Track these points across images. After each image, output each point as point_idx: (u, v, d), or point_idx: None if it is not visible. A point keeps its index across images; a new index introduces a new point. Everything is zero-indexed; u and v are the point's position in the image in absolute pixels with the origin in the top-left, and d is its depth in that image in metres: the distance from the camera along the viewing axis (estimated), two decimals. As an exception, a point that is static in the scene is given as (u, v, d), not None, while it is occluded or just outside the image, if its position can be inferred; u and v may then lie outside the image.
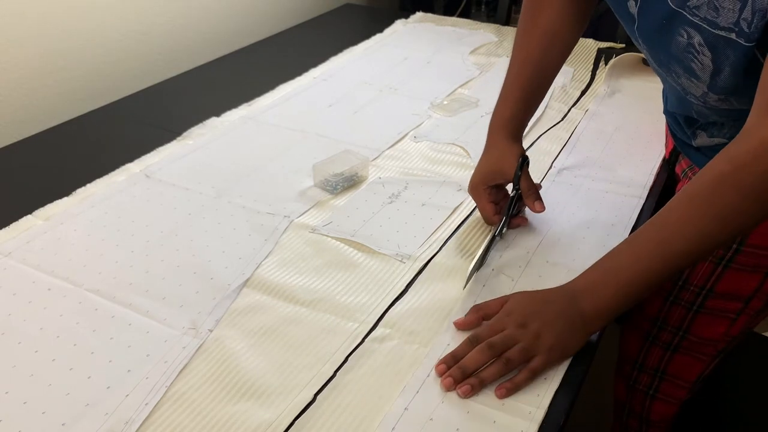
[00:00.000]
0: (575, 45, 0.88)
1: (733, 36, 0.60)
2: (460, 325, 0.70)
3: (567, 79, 1.34)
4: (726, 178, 0.59)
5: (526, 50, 0.86)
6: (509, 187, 0.86)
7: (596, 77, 1.36)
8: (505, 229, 0.82)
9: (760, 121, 0.58)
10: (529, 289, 0.77)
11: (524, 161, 0.83)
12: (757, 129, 0.58)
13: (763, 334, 1.45)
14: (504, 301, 0.70)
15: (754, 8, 0.57)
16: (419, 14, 1.74)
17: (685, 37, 0.66)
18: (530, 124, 1.15)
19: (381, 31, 1.62)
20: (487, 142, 0.88)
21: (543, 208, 0.81)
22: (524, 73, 0.85)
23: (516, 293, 0.71)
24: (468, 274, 0.76)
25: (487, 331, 0.66)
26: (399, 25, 1.66)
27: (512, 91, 0.86)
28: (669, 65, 0.72)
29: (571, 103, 1.25)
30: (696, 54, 0.66)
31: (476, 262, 0.77)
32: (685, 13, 0.63)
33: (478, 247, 0.83)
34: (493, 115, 0.88)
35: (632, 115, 1.19)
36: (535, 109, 0.89)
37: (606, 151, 1.08)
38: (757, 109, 0.60)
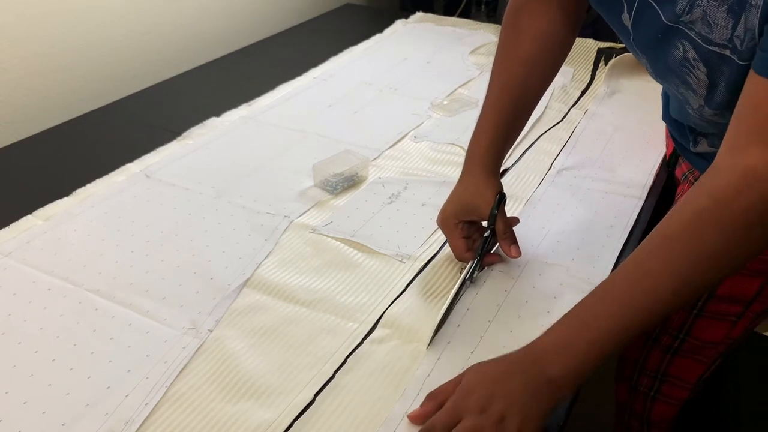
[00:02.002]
0: (557, 72, 0.83)
1: (727, 53, 0.59)
2: (416, 418, 0.60)
3: (567, 79, 1.34)
4: (705, 216, 0.55)
5: (504, 79, 0.80)
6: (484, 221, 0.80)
7: (596, 77, 1.36)
8: (476, 272, 0.76)
9: (740, 152, 0.55)
10: (528, 286, 0.77)
11: (501, 199, 0.77)
12: (737, 160, 0.55)
13: (765, 333, 1.45)
14: (459, 380, 0.61)
15: (747, 26, 0.56)
16: (419, 14, 1.74)
17: (681, 50, 0.64)
18: (530, 124, 1.15)
19: (381, 31, 1.62)
20: (462, 172, 0.81)
21: (519, 254, 0.76)
22: (502, 102, 0.80)
23: (472, 367, 0.61)
24: (434, 328, 0.68)
25: (443, 420, 0.57)
26: (399, 25, 1.66)
27: (490, 120, 0.80)
28: (666, 77, 0.71)
29: (571, 103, 1.25)
30: (691, 68, 0.65)
31: (444, 312, 0.69)
32: (680, 26, 0.62)
33: (447, 290, 0.76)
34: (469, 144, 0.81)
35: (632, 116, 1.19)
36: (515, 139, 0.83)
37: (606, 151, 1.08)
38: (735, 138, 0.57)
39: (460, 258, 0.79)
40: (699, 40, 0.61)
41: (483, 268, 0.79)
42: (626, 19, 0.69)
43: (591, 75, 1.37)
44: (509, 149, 0.83)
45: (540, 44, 0.79)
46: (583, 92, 1.30)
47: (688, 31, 0.62)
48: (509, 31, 0.81)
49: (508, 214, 0.91)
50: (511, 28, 0.81)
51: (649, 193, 0.96)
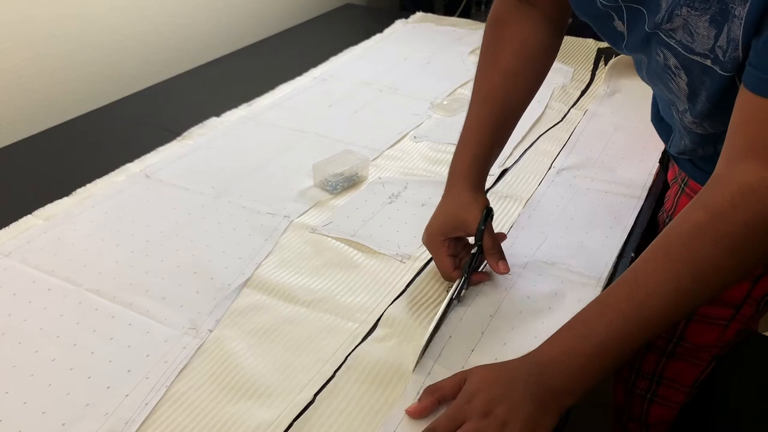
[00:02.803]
0: (542, 81, 0.80)
1: (708, 63, 0.58)
2: (414, 413, 0.60)
3: (567, 79, 1.34)
4: (703, 229, 0.55)
5: (486, 91, 0.78)
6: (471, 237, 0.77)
7: (596, 77, 1.36)
8: (464, 291, 0.73)
9: (735, 166, 0.55)
10: (529, 285, 0.77)
11: (488, 214, 0.75)
12: (733, 174, 0.55)
13: (765, 334, 1.44)
14: (461, 379, 0.61)
15: (729, 37, 0.55)
16: (419, 14, 1.74)
17: (662, 57, 0.64)
18: (529, 124, 1.15)
19: (381, 31, 1.62)
20: (446, 188, 0.79)
21: (507, 269, 0.74)
22: (485, 115, 0.78)
23: (475, 369, 0.62)
24: (421, 350, 0.66)
25: (445, 423, 0.58)
26: (399, 25, 1.66)
27: (472, 135, 0.78)
28: (652, 79, 0.71)
29: (571, 103, 1.25)
30: (672, 76, 0.65)
31: (431, 333, 0.67)
32: (660, 34, 0.62)
33: (434, 307, 0.75)
34: (453, 158, 0.80)
35: (632, 116, 1.19)
36: (500, 152, 0.82)
37: (605, 151, 1.08)
38: (730, 152, 0.57)
39: (447, 277, 0.77)
40: (680, 49, 0.61)
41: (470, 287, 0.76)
42: (620, 26, 0.68)
43: (591, 75, 1.37)
44: (494, 162, 0.81)
45: (523, 55, 0.77)
46: (583, 92, 1.30)
47: (667, 39, 0.61)
48: (490, 42, 0.79)
49: (507, 218, 0.91)
50: (493, 38, 0.79)
51: (648, 193, 0.96)
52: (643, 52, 0.68)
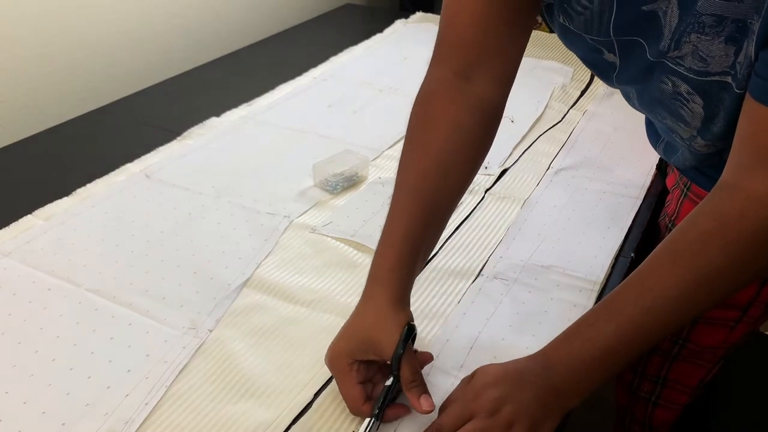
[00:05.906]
0: (478, 169, 0.70)
1: (729, 79, 0.58)
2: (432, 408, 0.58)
3: (567, 79, 1.34)
4: (710, 236, 0.56)
5: (414, 179, 0.67)
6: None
7: (596, 77, 1.36)
8: None
9: (743, 175, 0.56)
10: (524, 288, 0.77)
11: (409, 333, 0.60)
12: (741, 182, 0.56)
13: (766, 333, 1.44)
14: (469, 379, 0.61)
15: (746, 53, 0.54)
16: (419, 14, 1.74)
17: (670, 85, 0.63)
18: (530, 124, 1.15)
19: (381, 31, 1.62)
20: (362, 295, 0.64)
21: (431, 407, 0.58)
22: (412, 207, 0.65)
23: (483, 367, 0.61)
24: None
25: (452, 422, 0.57)
26: (399, 25, 1.66)
27: (397, 231, 0.64)
28: (652, 108, 0.69)
29: (571, 103, 1.25)
30: (685, 102, 0.64)
31: None
32: (667, 62, 0.61)
33: None
34: (374, 258, 0.65)
35: (631, 116, 1.18)
36: (429, 252, 0.69)
37: (604, 151, 1.08)
38: (738, 161, 0.57)
39: (355, 411, 0.61)
40: (691, 75, 0.60)
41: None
42: (611, 57, 0.66)
43: (591, 75, 1.37)
44: (422, 267, 0.69)
45: (456, 140, 0.66)
46: (583, 92, 1.30)
47: (675, 67, 0.60)
48: (419, 123, 0.69)
49: (504, 219, 0.90)
50: (423, 117, 0.69)
51: (647, 193, 0.96)
52: (639, 82, 0.67)
